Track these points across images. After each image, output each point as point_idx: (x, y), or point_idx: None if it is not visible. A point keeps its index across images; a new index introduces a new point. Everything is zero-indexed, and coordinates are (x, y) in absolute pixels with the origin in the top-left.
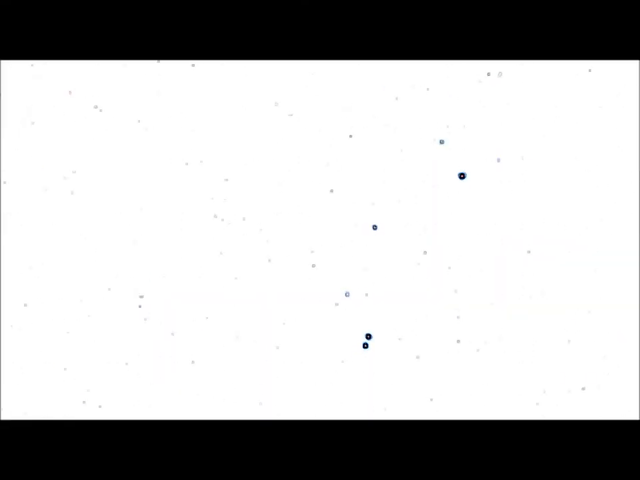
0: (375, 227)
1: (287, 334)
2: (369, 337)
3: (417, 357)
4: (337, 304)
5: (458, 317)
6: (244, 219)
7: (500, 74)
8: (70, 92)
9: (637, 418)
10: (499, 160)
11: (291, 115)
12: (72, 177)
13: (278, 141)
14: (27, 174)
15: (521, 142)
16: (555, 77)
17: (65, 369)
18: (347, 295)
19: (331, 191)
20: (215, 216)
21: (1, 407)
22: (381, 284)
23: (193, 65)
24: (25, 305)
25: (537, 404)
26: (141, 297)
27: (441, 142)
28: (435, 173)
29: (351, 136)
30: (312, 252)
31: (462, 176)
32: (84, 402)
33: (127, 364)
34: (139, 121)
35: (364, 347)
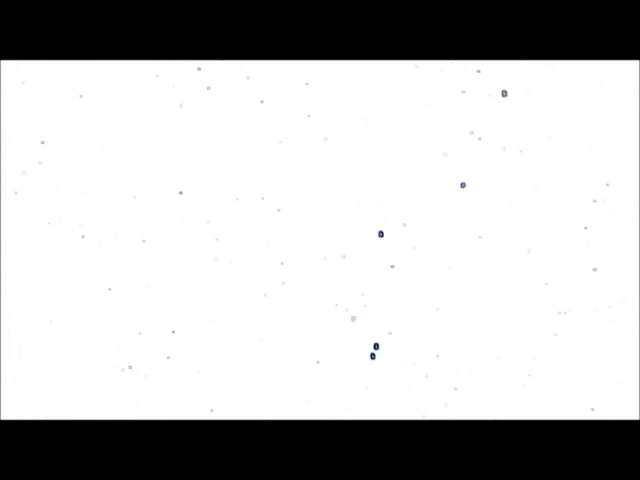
0: (381, 234)
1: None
2: (376, 346)
3: (415, 362)
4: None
5: (459, 320)
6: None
7: (505, 93)
8: None
9: (637, 418)
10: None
11: (287, 117)
12: (72, 177)
13: (278, 142)
14: (27, 173)
15: (520, 141)
16: (555, 76)
17: (65, 369)
18: (353, 319)
19: (339, 196)
20: (208, 222)
21: (1, 407)
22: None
23: (199, 68)
24: (25, 307)
25: (538, 404)
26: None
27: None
28: (438, 181)
29: (352, 136)
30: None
31: (463, 185)
32: (84, 402)
33: (127, 364)
34: (139, 121)
35: (372, 358)
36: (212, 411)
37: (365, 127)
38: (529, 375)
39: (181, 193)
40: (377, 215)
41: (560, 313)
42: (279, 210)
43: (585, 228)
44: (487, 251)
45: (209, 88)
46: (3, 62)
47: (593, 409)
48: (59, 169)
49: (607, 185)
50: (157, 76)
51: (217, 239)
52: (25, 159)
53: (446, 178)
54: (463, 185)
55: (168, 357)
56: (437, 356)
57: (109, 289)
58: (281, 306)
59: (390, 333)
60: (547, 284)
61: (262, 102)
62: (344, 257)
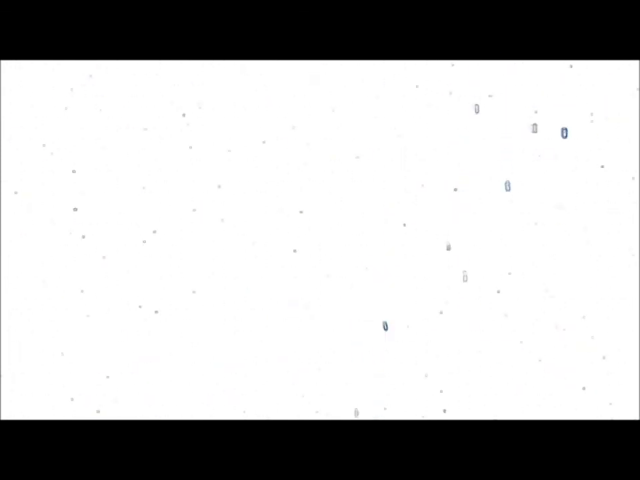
0: (385, 326)
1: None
2: (385, 326)
3: (417, 359)
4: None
5: (458, 320)
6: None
7: (534, 127)
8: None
9: (637, 418)
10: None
11: (294, 127)
12: (72, 177)
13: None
14: (27, 173)
15: (519, 141)
16: (555, 76)
17: (64, 369)
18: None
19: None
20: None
21: (1, 407)
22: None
23: (197, 65)
24: (25, 307)
25: (537, 404)
26: (141, 302)
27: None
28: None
29: (352, 137)
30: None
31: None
32: (84, 402)
33: (127, 364)
34: (139, 120)
35: (384, 329)
36: (211, 410)
37: (365, 127)
38: (529, 375)
39: (180, 192)
40: (375, 215)
41: (560, 313)
42: (279, 210)
43: (585, 228)
44: (487, 251)
45: (208, 88)
46: (3, 62)
47: (592, 409)
48: (58, 168)
49: (607, 184)
50: (158, 75)
51: (216, 239)
52: (25, 159)
53: (446, 177)
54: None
55: (168, 357)
56: (437, 356)
57: (108, 289)
58: (280, 306)
59: (390, 334)
60: (546, 284)
61: (262, 102)
62: (343, 256)
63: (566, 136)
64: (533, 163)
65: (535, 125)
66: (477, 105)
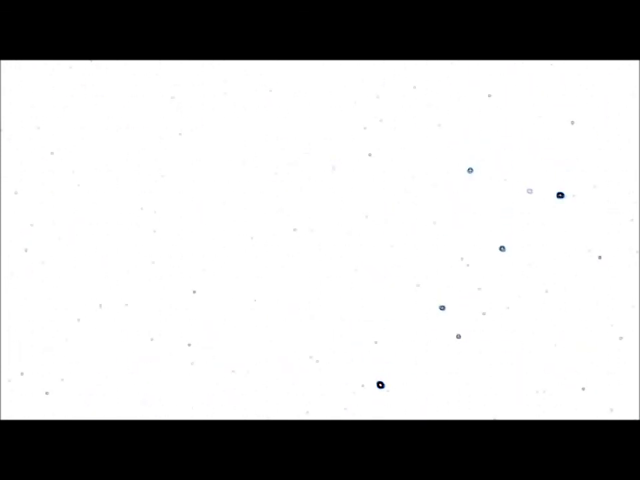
0: (381, 385)
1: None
2: (381, 385)
3: (416, 357)
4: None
5: (459, 321)
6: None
7: (531, 192)
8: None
9: (637, 418)
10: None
11: (292, 119)
12: (72, 177)
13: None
14: (27, 174)
15: (519, 140)
16: (554, 77)
17: (64, 369)
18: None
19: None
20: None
21: (1, 407)
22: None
23: (196, 67)
24: (25, 307)
25: (537, 404)
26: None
27: (470, 170)
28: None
29: (353, 138)
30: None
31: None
32: (84, 402)
33: (126, 364)
34: (139, 121)
35: (379, 387)
36: (211, 410)
37: (365, 128)
38: (529, 375)
39: (180, 192)
40: (376, 215)
41: (560, 312)
42: (278, 210)
43: (586, 228)
44: (487, 251)
45: (209, 88)
46: (3, 62)
47: (592, 409)
48: (59, 168)
49: (607, 184)
50: (158, 75)
51: (217, 239)
52: (24, 159)
53: (445, 176)
54: (470, 170)
55: (167, 357)
56: (437, 356)
57: (109, 290)
58: (280, 306)
59: (390, 333)
60: (546, 284)
61: (262, 102)
62: (342, 256)
63: (562, 197)
64: (532, 162)
65: (530, 190)
66: (470, 168)
